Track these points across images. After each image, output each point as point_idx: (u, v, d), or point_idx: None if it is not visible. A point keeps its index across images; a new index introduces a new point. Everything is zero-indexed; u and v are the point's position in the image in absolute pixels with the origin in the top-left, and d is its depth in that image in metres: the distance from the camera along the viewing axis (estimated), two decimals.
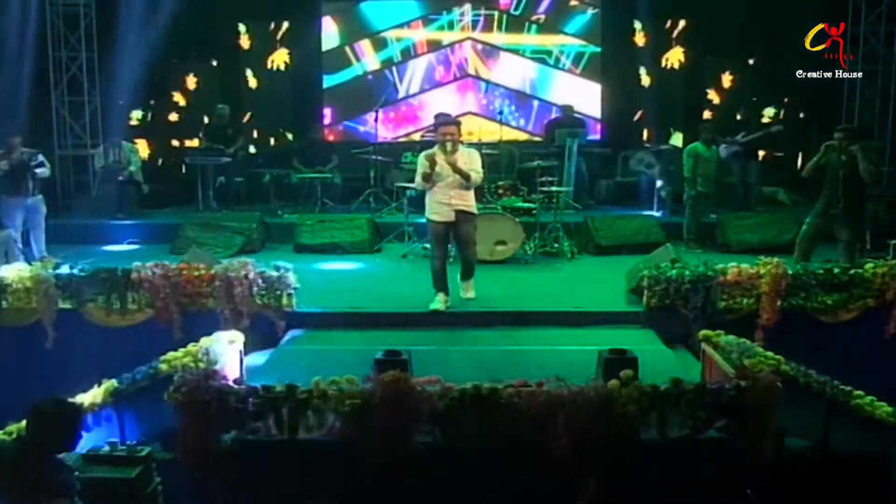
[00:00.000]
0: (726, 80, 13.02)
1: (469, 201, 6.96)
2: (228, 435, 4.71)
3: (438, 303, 6.93)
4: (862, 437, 5.05)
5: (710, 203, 10.08)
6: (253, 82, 13.26)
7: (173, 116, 13.10)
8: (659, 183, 10.96)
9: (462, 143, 7.09)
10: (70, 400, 3.91)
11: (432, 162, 6.76)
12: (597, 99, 13.21)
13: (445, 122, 7.16)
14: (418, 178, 6.95)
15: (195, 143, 12.08)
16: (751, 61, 12.89)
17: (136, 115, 12.49)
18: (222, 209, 10.89)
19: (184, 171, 11.78)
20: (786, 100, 12.53)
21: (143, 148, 12.15)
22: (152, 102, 12.78)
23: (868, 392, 5.06)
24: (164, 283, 6.50)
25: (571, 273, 8.62)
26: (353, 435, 4.57)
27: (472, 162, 6.90)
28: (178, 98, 13.07)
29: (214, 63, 13.14)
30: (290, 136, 13.11)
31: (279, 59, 13.21)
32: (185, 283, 6.54)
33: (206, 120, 12.13)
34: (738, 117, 11.55)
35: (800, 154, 12.83)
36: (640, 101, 13.06)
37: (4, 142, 8.37)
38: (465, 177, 6.78)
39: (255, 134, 13.20)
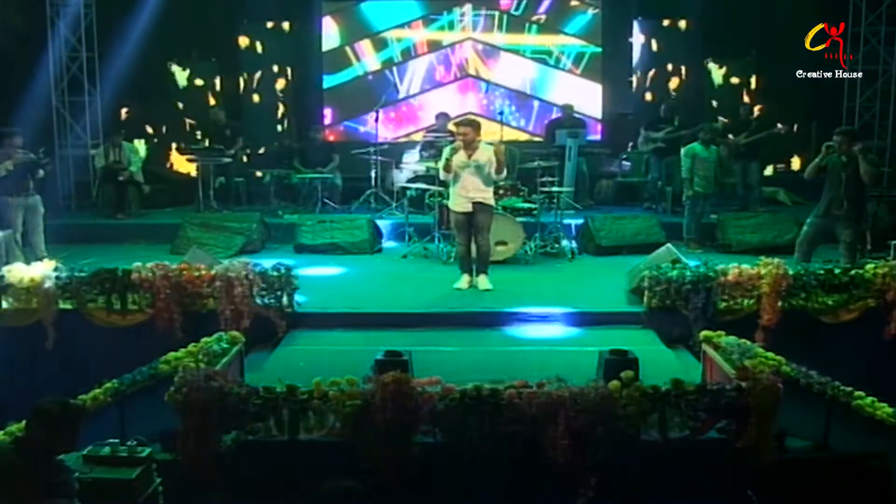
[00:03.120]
0: (726, 80, 13.03)
1: (487, 194, 7.55)
2: (229, 435, 4.72)
3: (462, 283, 7.67)
4: (862, 438, 5.05)
5: (710, 203, 10.07)
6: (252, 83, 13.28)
7: (172, 116, 13.09)
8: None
9: (481, 140, 7.60)
10: (73, 401, 3.89)
11: (451, 155, 7.36)
12: (597, 99, 13.21)
13: (463, 122, 7.72)
14: (441, 170, 7.56)
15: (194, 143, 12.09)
16: (750, 61, 12.88)
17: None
18: (222, 209, 10.88)
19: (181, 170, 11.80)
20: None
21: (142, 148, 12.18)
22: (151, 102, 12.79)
23: (869, 393, 5.05)
24: (165, 283, 6.49)
25: (572, 273, 8.62)
26: (354, 436, 4.57)
27: (492, 157, 7.42)
28: (178, 98, 13.05)
29: (214, 63, 13.12)
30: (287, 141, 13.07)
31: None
32: (186, 283, 6.54)
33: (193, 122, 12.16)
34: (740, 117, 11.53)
35: (794, 156, 12.89)
36: (638, 102, 13.09)
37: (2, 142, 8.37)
38: (499, 169, 7.40)
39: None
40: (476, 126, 7.57)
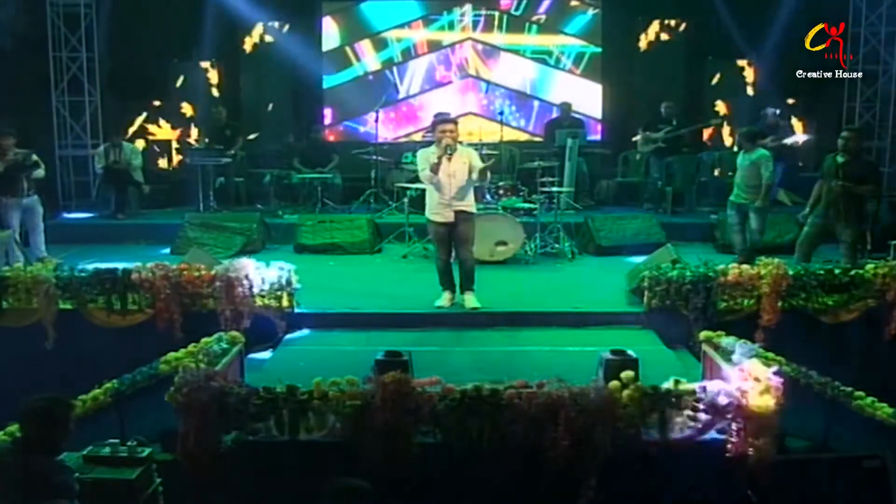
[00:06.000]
0: (726, 80, 13.02)
1: (469, 201, 6.96)
2: (229, 436, 4.71)
3: (444, 300, 7.08)
4: (862, 438, 5.06)
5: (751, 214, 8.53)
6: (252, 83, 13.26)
7: (173, 116, 13.08)
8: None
9: (461, 142, 7.10)
10: (59, 397, 3.87)
11: (435, 161, 6.75)
12: (597, 99, 13.21)
13: (444, 119, 7.24)
14: (425, 172, 6.85)
15: (195, 143, 12.09)
16: (751, 61, 12.87)
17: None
18: (222, 209, 10.88)
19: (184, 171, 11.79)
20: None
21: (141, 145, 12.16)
22: (154, 103, 12.77)
23: (868, 393, 5.06)
24: (165, 283, 6.49)
25: (572, 273, 8.62)
26: (354, 436, 4.57)
27: (472, 160, 6.91)
28: (178, 98, 13.03)
29: (214, 63, 13.10)
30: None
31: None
32: (186, 283, 6.54)
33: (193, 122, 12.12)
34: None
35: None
36: (639, 102, 13.07)
37: None
38: (483, 175, 6.88)
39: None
40: (457, 124, 7.02)
